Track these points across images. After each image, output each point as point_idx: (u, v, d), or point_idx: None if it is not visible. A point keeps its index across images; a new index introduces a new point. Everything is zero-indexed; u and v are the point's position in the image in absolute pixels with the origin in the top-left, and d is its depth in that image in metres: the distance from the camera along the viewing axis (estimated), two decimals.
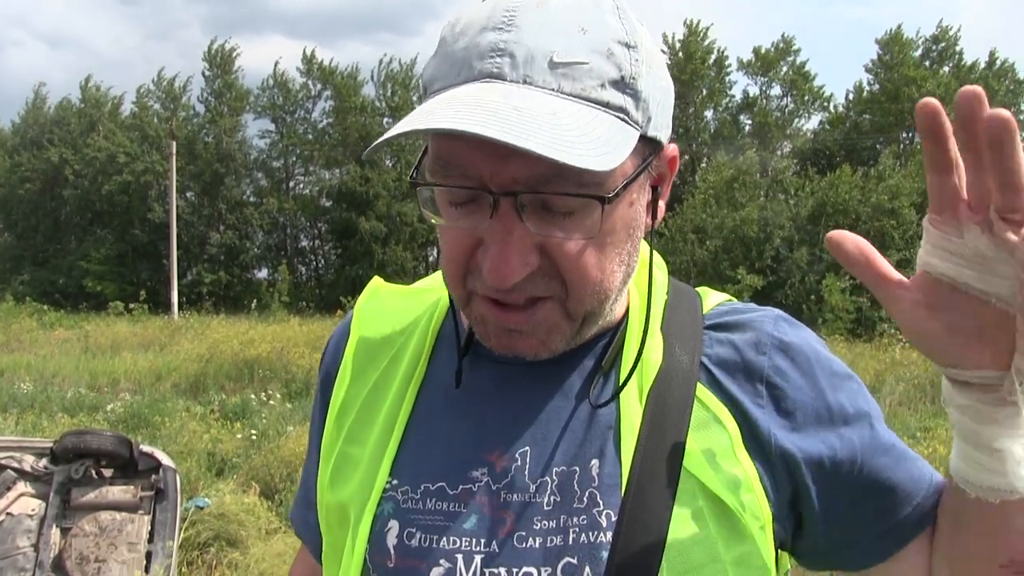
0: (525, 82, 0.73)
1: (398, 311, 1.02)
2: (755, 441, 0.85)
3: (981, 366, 0.71)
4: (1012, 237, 0.65)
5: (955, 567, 0.85)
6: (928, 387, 13.43)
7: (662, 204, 0.88)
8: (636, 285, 0.93)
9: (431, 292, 1.02)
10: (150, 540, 3.95)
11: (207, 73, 40.05)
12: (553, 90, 0.73)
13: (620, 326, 0.91)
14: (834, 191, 26.63)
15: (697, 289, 0.99)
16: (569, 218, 0.77)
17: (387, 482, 0.88)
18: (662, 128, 0.82)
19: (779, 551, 0.88)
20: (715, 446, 0.84)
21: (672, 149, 0.87)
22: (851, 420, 0.88)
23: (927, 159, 0.69)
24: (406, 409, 0.92)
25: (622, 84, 0.76)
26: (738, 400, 0.87)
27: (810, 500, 0.86)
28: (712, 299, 0.97)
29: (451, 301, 0.96)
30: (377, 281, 1.08)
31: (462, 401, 0.91)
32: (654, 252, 0.92)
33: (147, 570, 3.87)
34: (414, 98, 38.62)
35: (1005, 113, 0.61)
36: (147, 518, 3.97)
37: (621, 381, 0.87)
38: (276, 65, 40.06)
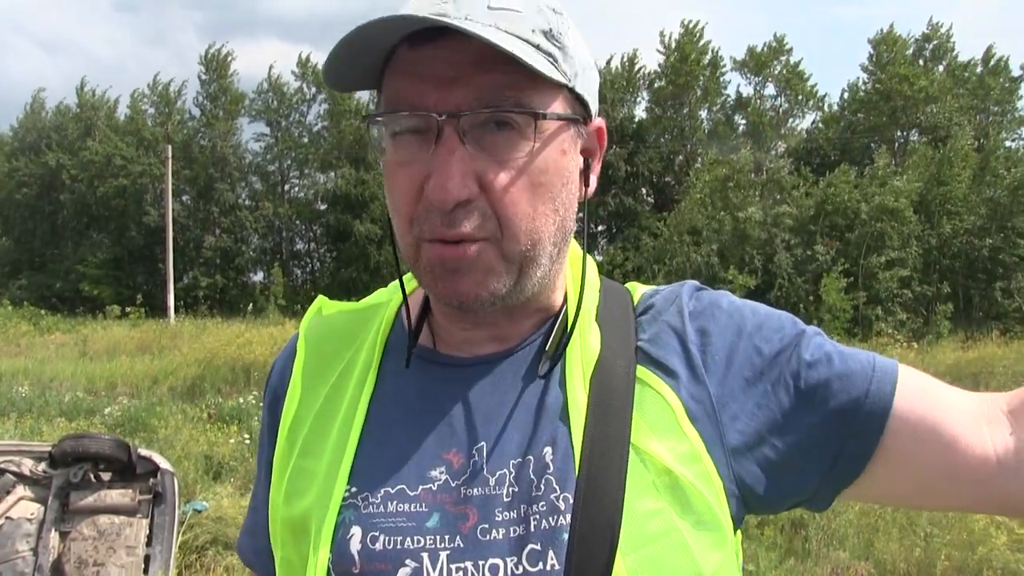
0: (466, 19, 0.80)
1: (344, 327, 1.04)
2: (698, 410, 0.88)
3: None
4: None
5: None
6: None
7: (593, 178, 0.94)
8: (573, 276, 0.97)
9: (376, 307, 1.05)
10: (148, 544, 3.95)
11: (203, 77, 40.06)
12: (490, 26, 0.80)
13: (559, 316, 0.95)
14: (832, 190, 26.58)
15: (626, 285, 1.03)
16: (506, 139, 0.82)
17: (346, 489, 0.90)
18: (589, 93, 0.89)
19: (735, 515, 0.88)
20: (660, 421, 0.87)
21: (599, 121, 0.93)
22: (781, 354, 0.90)
23: None
24: (359, 418, 0.94)
25: (551, 35, 0.84)
26: (674, 371, 0.90)
27: (776, 446, 0.88)
28: (639, 291, 1.01)
29: (403, 307, 1.00)
30: (321, 300, 1.11)
31: (415, 406, 0.93)
32: (586, 255, 0.98)
33: (146, 573, 3.88)
34: None
35: None
36: (145, 522, 3.97)
37: (569, 365, 0.91)
38: (271, 69, 40.08)
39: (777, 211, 26.97)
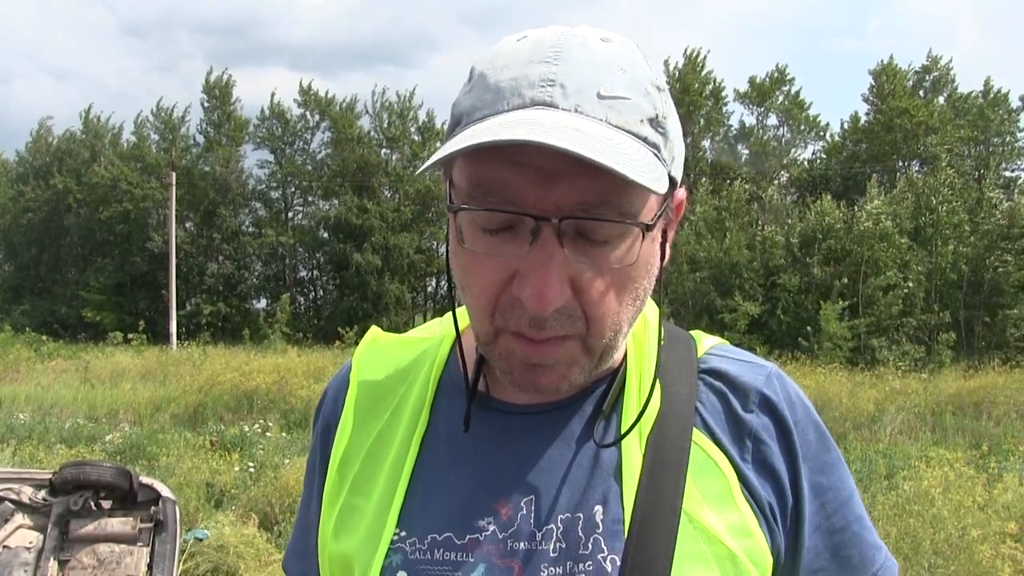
0: (576, 111, 0.75)
1: (397, 361, 1.02)
2: (750, 491, 0.88)
3: None
4: None
5: None
6: (928, 416, 13.39)
7: (668, 248, 0.90)
8: (632, 332, 0.94)
9: (429, 341, 1.03)
10: (149, 572, 3.91)
11: (206, 104, 40.23)
12: (601, 120, 0.76)
13: (619, 370, 0.93)
14: (820, 219, 26.89)
15: (691, 333, 1.00)
16: (604, 247, 0.78)
17: (394, 533, 0.89)
18: (679, 170, 0.86)
19: None
20: (714, 490, 0.86)
21: (680, 192, 0.89)
22: (817, 495, 0.92)
23: None
24: (410, 460, 0.93)
25: (656, 122, 0.79)
26: (727, 451, 0.89)
27: (777, 561, 0.90)
28: (705, 343, 0.98)
29: (453, 347, 0.98)
30: (375, 331, 1.08)
31: (466, 451, 0.92)
32: (661, 317, 0.95)
33: None
34: (412, 129, 38.79)
35: None
36: (146, 550, 3.93)
37: (626, 425, 0.88)
38: (273, 96, 40.15)
39: (762, 234, 27.16)
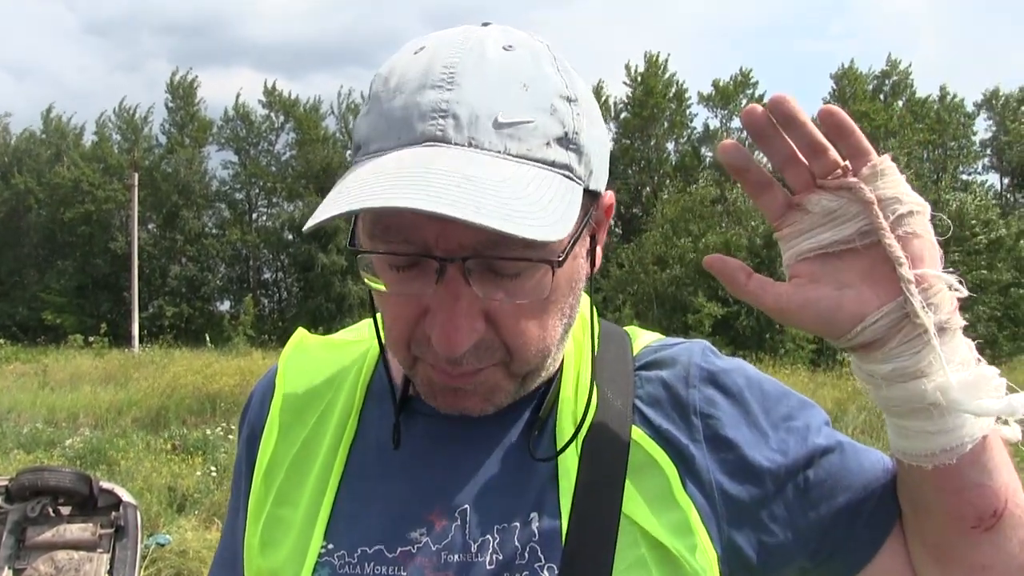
0: (471, 144, 0.71)
1: (325, 364, 0.98)
2: (694, 479, 0.84)
3: (881, 304, 0.74)
4: (845, 180, 0.75)
5: (930, 546, 0.84)
6: None
7: (599, 251, 0.87)
8: (572, 334, 0.90)
9: (358, 344, 0.99)
10: None
11: (170, 104, 39.83)
12: (499, 152, 0.71)
13: (556, 376, 0.89)
14: None
15: (626, 329, 0.97)
16: (516, 280, 0.75)
17: (322, 546, 0.85)
18: (601, 179, 0.81)
19: None
20: (654, 489, 0.83)
21: (608, 196, 0.85)
22: (788, 439, 0.87)
23: (747, 189, 0.79)
24: (338, 469, 0.89)
25: (566, 140, 0.74)
26: (673, 438, 0.86)
27: (772, 532, 0.86)
28: (642, 339, 0.96)
29: (381, 354, 0.94)
30: (301, 333, 1.04)
31: (397, 459, 0.88)
32: (594, 321, 0.91)
33: None
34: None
35: (777, 94, 0.72)
36: (106, 556, 3.88)
37: (560, 431, 0.86)
38: (238, 97, 39.86)
39: (727, 235, 27.43)
